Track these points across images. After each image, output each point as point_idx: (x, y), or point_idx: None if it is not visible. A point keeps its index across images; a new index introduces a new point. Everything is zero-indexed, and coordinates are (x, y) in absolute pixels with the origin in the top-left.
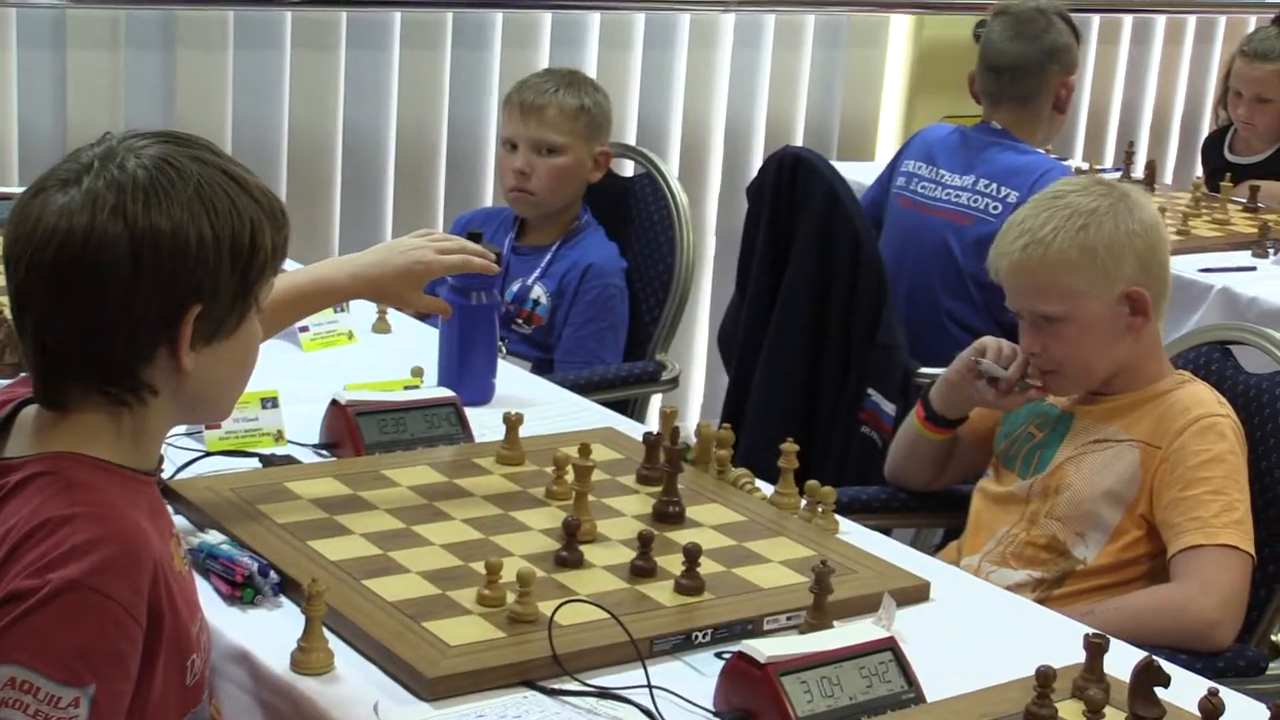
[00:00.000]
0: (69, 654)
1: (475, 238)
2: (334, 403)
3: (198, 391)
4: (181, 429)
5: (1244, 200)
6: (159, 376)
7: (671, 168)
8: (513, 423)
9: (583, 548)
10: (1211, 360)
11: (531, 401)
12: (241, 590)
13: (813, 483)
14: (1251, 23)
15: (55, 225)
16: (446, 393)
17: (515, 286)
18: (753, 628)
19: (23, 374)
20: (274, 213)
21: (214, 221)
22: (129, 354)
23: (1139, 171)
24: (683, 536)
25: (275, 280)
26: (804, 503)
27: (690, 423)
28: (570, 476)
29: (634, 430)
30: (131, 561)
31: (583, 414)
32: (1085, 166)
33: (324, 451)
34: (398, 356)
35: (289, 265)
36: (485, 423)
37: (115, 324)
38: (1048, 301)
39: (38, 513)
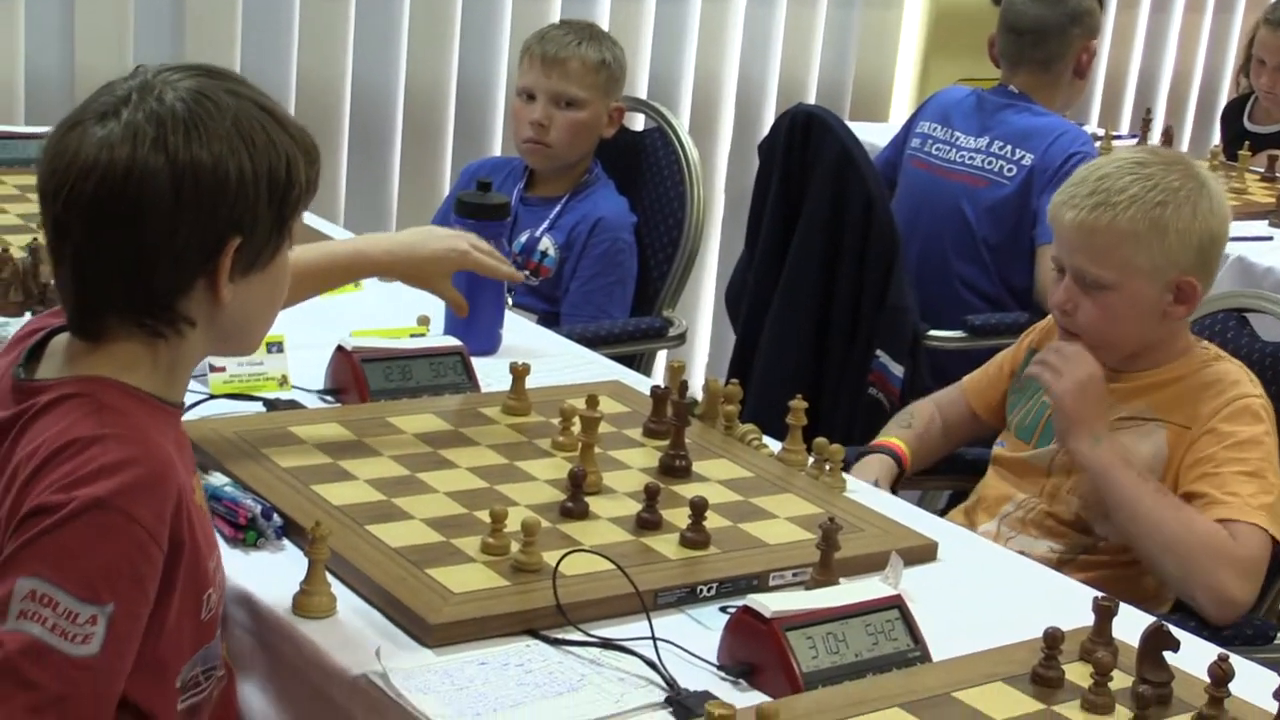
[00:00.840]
0: (91, 571)
1: (484, 187)
2: (340, 349)
3: (233, 323)
4: None
5: (1262, 170)
6: (196, 309)
7: (683, 123)
8: (519, 373)
9: (588, 499)
10: (1227, 328)
11: (538, 353)
12: (244, 533)
13: (821, 440)
14: None
15: (95, 158)
16: (453, 342)
17: (523, 238)
18: (758, 583)
19: (44, 310)
20: (307, 146)
21: (252, 154)
22: (169, 286)
23: (1155, 138)
24: (689, 490)
25: (314, 249)
26: (811, 460)
27: (697, 380)
28: (577, 428)
29: (641, 384)
30: (158, 486)
31: (589, 367)
32: (1101, 132)
33: (329, 397)
34: (404, 304)
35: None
36: (491, 373)
37: (156, 257)
38: (1102, 267)
39: (67, 432)
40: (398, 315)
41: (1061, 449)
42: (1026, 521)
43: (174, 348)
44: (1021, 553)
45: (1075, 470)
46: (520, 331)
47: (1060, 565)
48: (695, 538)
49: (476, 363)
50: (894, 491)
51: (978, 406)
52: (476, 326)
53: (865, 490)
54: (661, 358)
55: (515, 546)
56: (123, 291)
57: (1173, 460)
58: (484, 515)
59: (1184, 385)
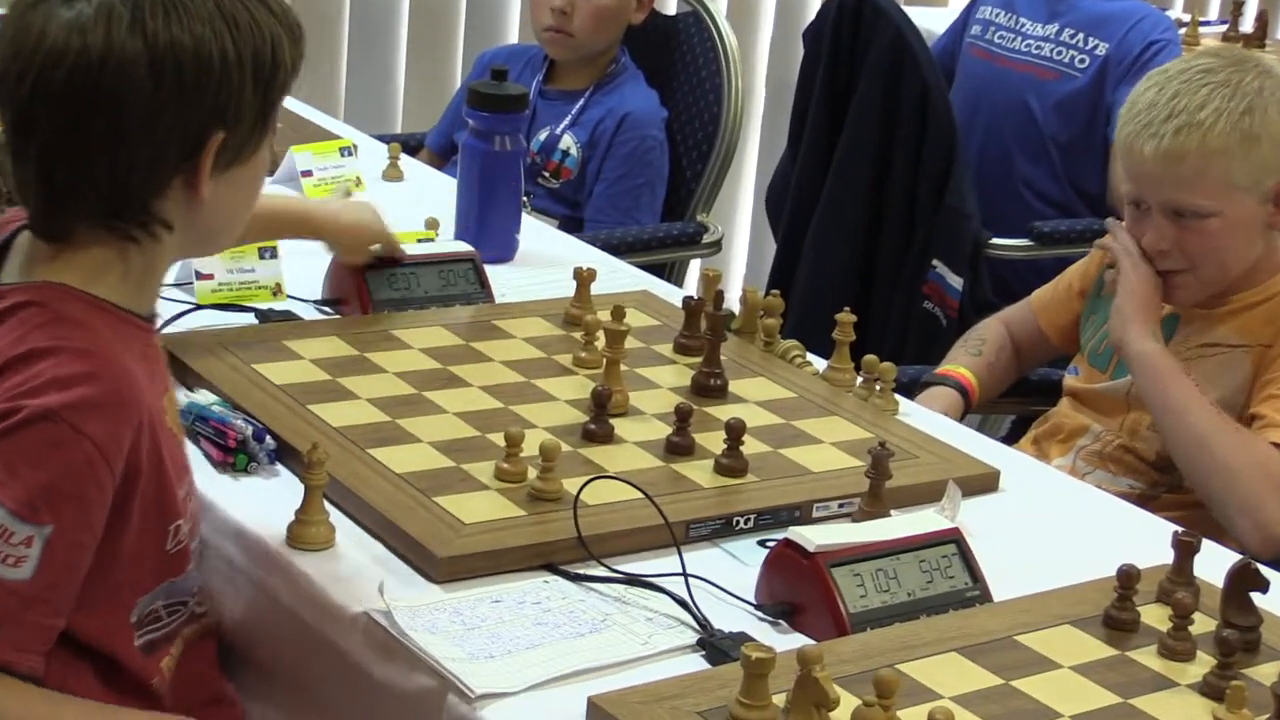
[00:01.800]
0: (32, 487)
1: (500, 75)
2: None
3: (209, 223)
4: (169, 278)
5: None
6: (173, 209)
7: (720, 6)
8: (585, 279)
9: (613, 421)
10: None
11: (559, 260)
12: (234, 456)
13: (870, 358)
14: None
15: (66, 43)
16: (465, 247)
17: (542, 135)
18: (801, 514)
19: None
20: (290, 25)
21: (236, 37)
22: (145, 185)
23: (1248, 24)
24: (724, 412)
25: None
26: (860, 380)
27: (734, 291)
28: (601, 342)
29: (672, 295)
30: (115, 406)
31: (615, 275)
32: (1186, 18)
33: (327, 308)
34: (411, 206)
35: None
36: (507, 282)
37: (133, 153)
38: (1198, 194)
39: (20, 343)
40: (403, 217)
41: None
42: (1105, 456)
43: (146, 253)
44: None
45: None
46: (539, 237)
47: (1141, 503)
48: (731, 464)
49: (491, 270)
50: None
51: (1048, 328)
52: (490, 231)
53: (919, 413)
54: (695, 267)
55: (533, 473)
56: (93, 191)
57: (1256, 385)
58: (498, 438)
59: (1272, 304)
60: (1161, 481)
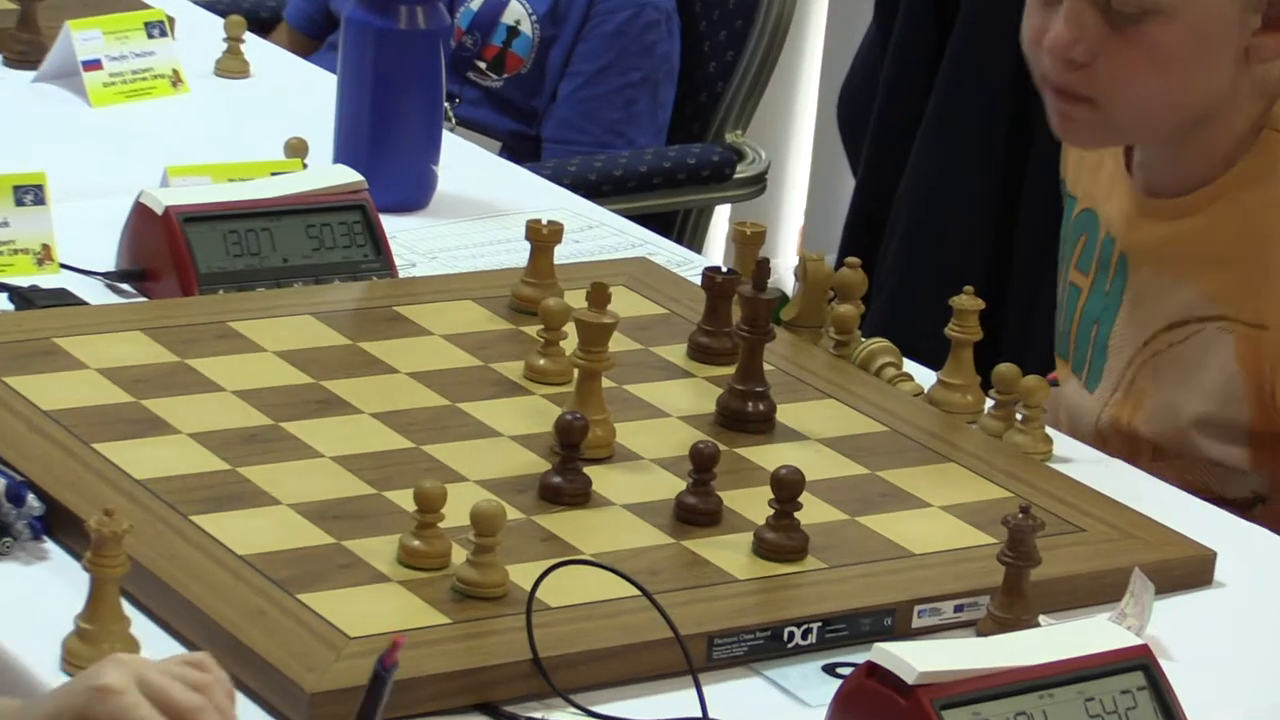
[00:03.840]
0: None
1: None
2: (144, 202)
3: None
4: None
5: None
6: None
7: None
8: (544, 239)
9: (590, 470)
10: None
11: (506, 207)
12: None
13: (1008, 368)
14: None
15: None
16: (348, 180)
17: (475, 2)
18: (893, 622)
19: None
20: None
21: None
22: None
23: None
24: (770, 457)
25: None
26: (990, 404)
27: (787, 256)
28: (569, 341)
29: (686, 265)
30: None
31: (594, 232)
32: None
33: (126, 285)
34: (260, 119)
35: None
36: (418, 242)
37: None
38: None
39: None
40: (250, 138)
41: None
42: None
43: None
44: None
45: (1132, 429)
46: (470, 169)
47: None
48: (781, 541)
49: (391, 225)
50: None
51: None
52: (391, 160)
53: (1085, 458)
54: (722, 217)
55: (460, 555)
56: None
57: (1252, 384)
58: (404, 498)
59: (1262, 209)
60: None
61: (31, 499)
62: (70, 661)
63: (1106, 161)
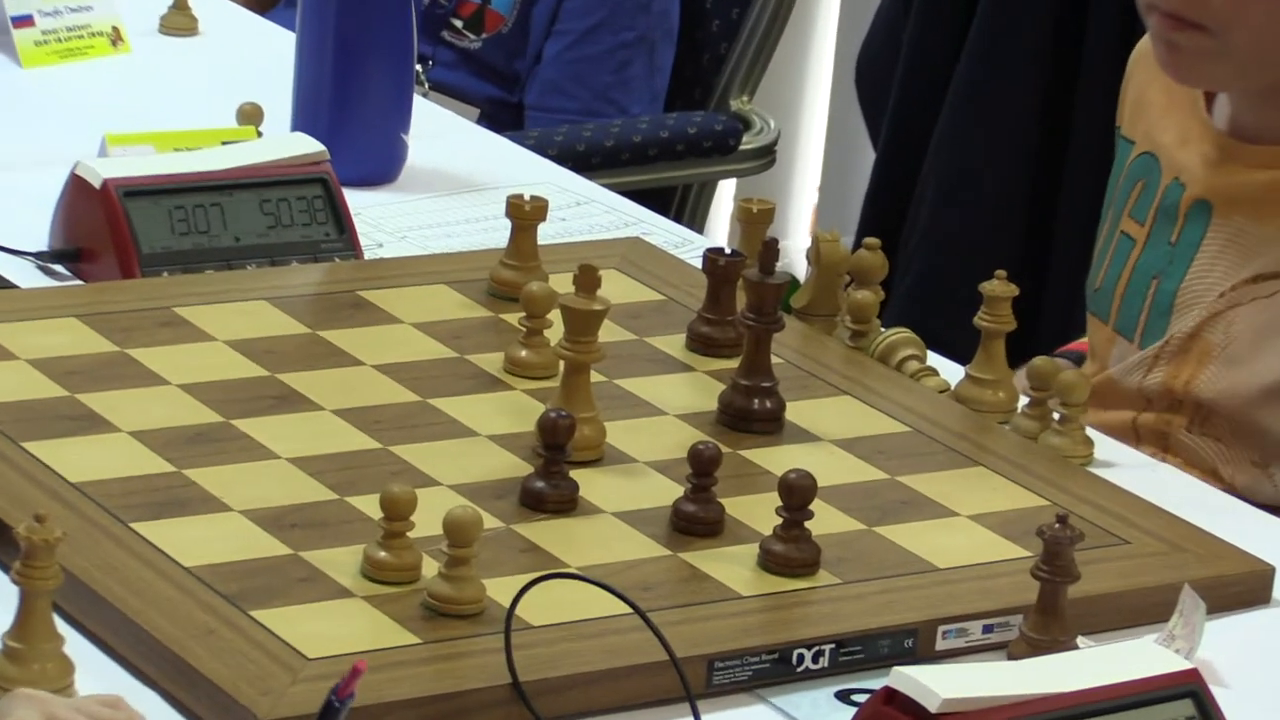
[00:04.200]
0: None
1: None
2: (79, 174)
3: None
4: None
5: None
6: None
7: None
8: (526, 216)
9: (577, 474)
10: None
11: (484, 181)
12: None
13: (1045, 362)
14: None
15: None
16: (308, 150)
17: None
18: (915, 644)
19: None
20: None
21: None
22: None
23: None
24: (779, 459)
25: None
26: (1024, 401)
27: (798, 236)
28: (553, 331)
29: (685, 245)
30: None
31: (583, 209)
32: None
33: (60, 267)
34: (212, 81)
35: None
36: (386, 220)
37: None
38: None
39: None
40: (200, 102)
41: None
42: None
43: None
44: None
45: (1191, 386)
46: (445, 138)
47: None
48: (790, 553)
49: (356, 200)
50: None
51: None
52: (356, 128)
53: (1129, 461)
54: (726, 193)
55: (432, 567)
56: None
57: None
58: (369, 504)
59: None
60: None
61: None
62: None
63: (1178, 100)
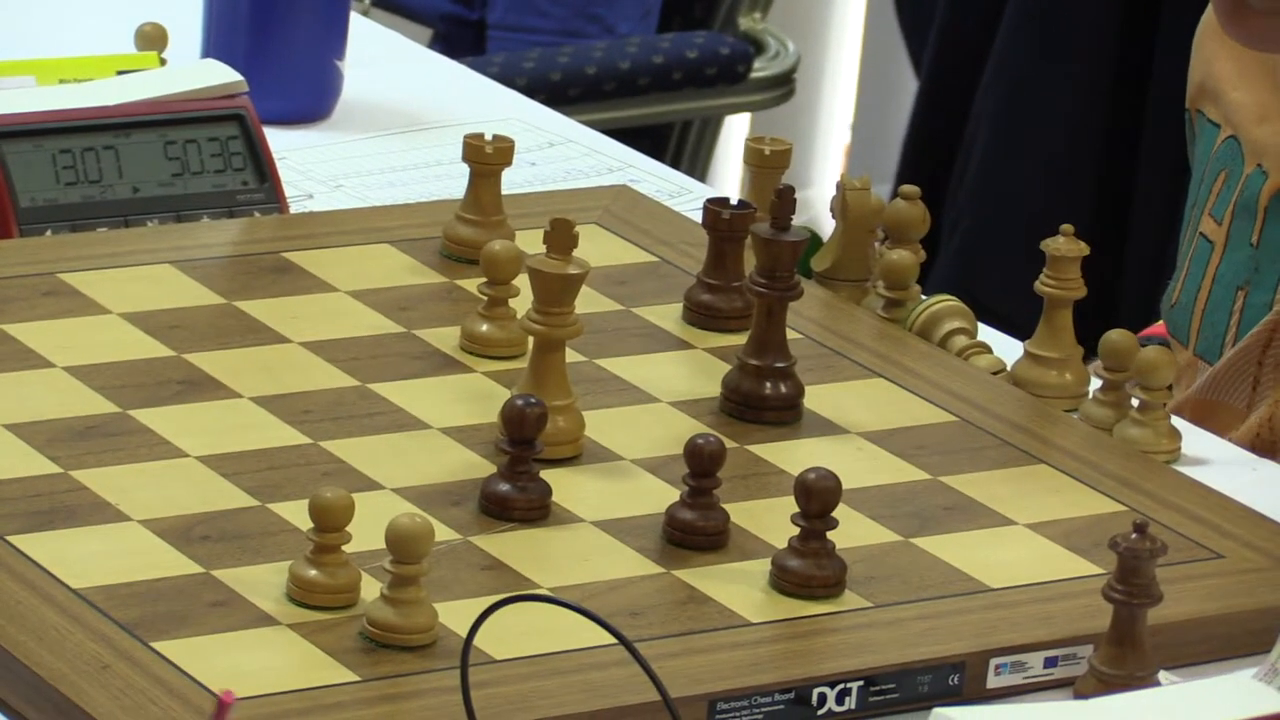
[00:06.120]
0: None
1: None
2: None
3: None
4: None
5: None
6: None
7: None
8: (488, 161)
9: (549, 473)
10: None
11: (437, 118)
12: None
13: (1120, 337)
14: None
15: None
16: (222, 82)
17: None
18: (961, 680)
19: None
20: None
21: None
22: None
23: None
24: (794, 456)
25: None
26: (1096, 383)
27: (821, 185)
28: (521, 300)
29: (682, 195)
30: None
31: (558, 151)
32: None
33: None
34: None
35: None
36: (317, 166)
37: None
38: None
39: None
40: (92, 22)
41: None
42: None
43: None
44: None
45: None
46: (389, 64)
47: None
48: (809, 570)
49: (280, 141)
50: None
51: None
52: (280, 54)
53: (1224, 458)
54: (734, 132)
55: (373, 588)
56: None
57: None
58: (296, 511)
59: None
60: None
61: None
62: None
63: (1249, 72)
